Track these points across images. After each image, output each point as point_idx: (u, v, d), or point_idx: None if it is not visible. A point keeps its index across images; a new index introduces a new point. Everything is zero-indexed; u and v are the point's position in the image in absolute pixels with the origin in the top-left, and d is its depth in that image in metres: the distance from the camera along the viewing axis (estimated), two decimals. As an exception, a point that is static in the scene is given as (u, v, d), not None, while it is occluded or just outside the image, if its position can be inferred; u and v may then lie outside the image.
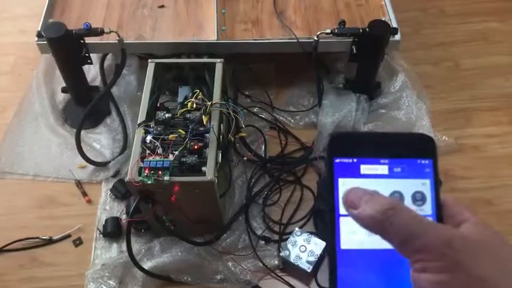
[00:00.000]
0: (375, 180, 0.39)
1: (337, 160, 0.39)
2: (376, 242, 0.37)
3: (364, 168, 0.39)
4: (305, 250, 1.11)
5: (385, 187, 0.39)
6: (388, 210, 0.34)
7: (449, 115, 1.38)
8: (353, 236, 0.38)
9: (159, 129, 1.04)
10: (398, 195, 0.39)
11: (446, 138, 1.31)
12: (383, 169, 0.39)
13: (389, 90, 1.38)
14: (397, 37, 1.26)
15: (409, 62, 1.43)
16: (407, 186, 0.39)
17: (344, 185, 0.38)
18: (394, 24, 1.29)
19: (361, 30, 1.21)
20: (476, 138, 1.34)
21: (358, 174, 0.39)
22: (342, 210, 0.38)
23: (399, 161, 0.39)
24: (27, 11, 1.70)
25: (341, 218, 0.38)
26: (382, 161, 0.39)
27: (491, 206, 1.22)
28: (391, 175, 0.39)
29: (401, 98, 1.36)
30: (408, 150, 0.39)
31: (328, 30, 1.23)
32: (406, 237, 0.33)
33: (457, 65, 1.49)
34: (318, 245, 1.11)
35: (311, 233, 1.14)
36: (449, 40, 1.55)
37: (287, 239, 1.14)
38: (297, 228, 1.15)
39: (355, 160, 0.39)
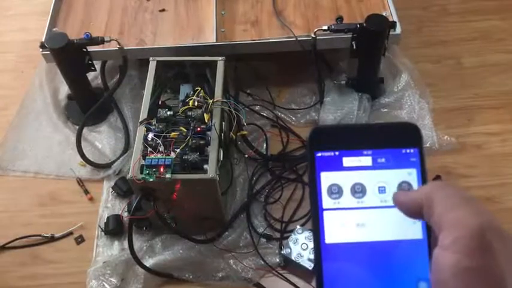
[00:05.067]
0: (358, 172, 0.38)
1: (319, 154, 0.38)
2: (362, 235, 0.37)
3: (347, 161, 0.38)
4: (307, 248, 1.11)
5: (370, 178, 0.38)
6: (431, 192, 0.34)
7: (451, 113, 1.37)
8: (338, 229, 0.37)
9: (160, 127, 1.05)
10: (383, 187, 0.38)
11: (448, 137, 1.30)
12: (366, 160, 0.38)
13: (392, 89, 1.38)
14: (398, 31, 1.26)
15: (411, 60, 1.42)
16: (393, 177, 0.38)
17: (327, 178, 0.38)
18: (395, 19, 1.28)
19: (358, 26, 1.21)
20: (478, 137, 1.33)
21: (340, 167, 0.38)
22: (326, 204, 0.38)
23: (383, 151, 0.38)
24: (29, 8, 1.70)
25: (325, 212, 0.38)
26: (365, 152, 0.38)
27: (494, 204, 1.21)
28: (375, 166, 0.38)
29: (404, 97, 1.36)
30: (392, 140, 0.38)
31: (325, 27, 1.23)
32: (447, 208, 0.32)
33: (459, 63, 1.49)
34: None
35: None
36: (451, 38, 1.54)
37: (288, 236, 1.13)
38: (298, 226, 1.15)
39: (337, 153, 0.38)
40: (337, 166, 0.38)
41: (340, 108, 1.32)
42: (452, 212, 0.32)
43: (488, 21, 1.58)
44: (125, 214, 1.19)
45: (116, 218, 1.20)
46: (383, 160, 0.38)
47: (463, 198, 0.33)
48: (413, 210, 0.35)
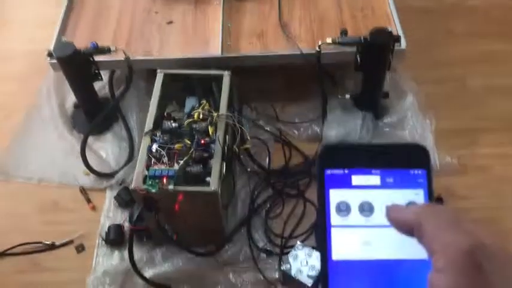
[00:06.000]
0: (366, 191, 0.39)
1: (328, 171, 0.39)
2: (369, 253, 0.37)
3: (356, 179, 0.39)
4: (306, 264, 1.10)
5: (377, 198, 0.39)
6: (421, 213, 0.34)
7: (454, 134, 1.38)
8: (345, 246, 0.38)
9: (165, 138, 1.05)
10: None
11: (450, 159, 1.31)
12: (375, 180, 0.39)
13: (396, 110, 1.38)
14: (403, 46, 1.26)
15: (416, 81, 1.43)
16: (400, 197, 0.39)
17: (335, 196, 0.39)
18: (400, 34, 1.28)
19: (362, 39, 1.21)
20: (480, 159, 1.34)
21: (349, 185, 0.39)
22: (334, 221, 0.38)
23: (391, 171, 0.39)
24: (38, 18, 1.72)
25: (332, 229, 0.38)
26: (374, 171, 0.39)
27: (495, 226, 1.21)
28: (383, 186, 0.39)
29: (407, 118, 1.37)
30: (401, 160, 0.39)
31: (329, 40, 1.23)
32: (437, 231, 0.33)
33: (463, 85, 1.50)
34: (319, 260, 1.11)
35: (313, 247, 1.13)
36: (456, 60, 1.55)
37: (288, 252, 1.13)
38: (298, 242, 1.14)
39: (346, 171, 0.39)
40: (346, 184, 0.39)
41: (344, 126, 1.32)
42: (443, 234, 0.32)
43: (492, 45, 1.59)
44: (126, 224, 1.19)
45: (117, 228, 1.20)
46: (391, 180, 0.39)
47: (452, 220, 0.34)
48: (403, 229, 0.36)
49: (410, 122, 1.36)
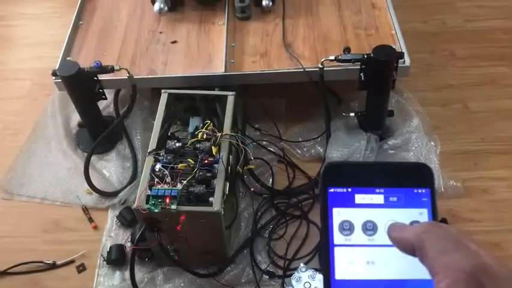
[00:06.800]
0: (370, 210, 0.39)
1: (331, 190, 0.39)
2: (373, 272, 0.37)
3: (359, 198, 0.39)
4: (309, 287, 1.09)
5: (381, 217, 0.38)
6: (423, 233, 0.34)
7: (458, 157, 1.38)
8: (348, 266, 0.38)
9: (168, 158, 1.05)
10: None
11: (454, 182, 1.30)
12: (378, 198, 0.39)
13: (401, 131, 1.38)
14: (407, 63, 1.27)
15: (420, 103, 1.44)
16: (404, 216, 0.38)
17: (338, 214, 0.38)
18: (404, 51, 1.28)
19: (365, 56, 1.21)
20: (485, 181, 1.33)
21: (352, 204, 0.39)
22: (337, 240, 0.38)
23: (395, 190, 0.39)
24: (47, 38, 1.74)
25: (336, 248, 0.38)
26: (377, 190, 0.39)
27: (500, 250, 1.20)
28: (387, 205, 0.39)
29: (411, 140, 1.37)
30: (405, 179, 0.39)
31: (332, 57, 1.23)
32: (439, 251, 0.33)
33: (466, 107, 1.50)
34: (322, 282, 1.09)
35: (316, 269, 1.12)
36: (459, 82, 1.56)
37: (291, 274, 1.12)
38: (302, 264, 1.13)
39: (349, 189, 0.39)
40: (349, 203, 0.39)
41: (348, 147, 1.32)
42: (444, 255, 0.32)
43: (494, 68, 1.60)
44: (128, 244, 1.18)
45: (119, 248, 1.19)
46: (395, 199, 0.39)
47: (454, 240, 0.33)
48: (405, 249, 0.35)
49: (415, 144, 1.36)
